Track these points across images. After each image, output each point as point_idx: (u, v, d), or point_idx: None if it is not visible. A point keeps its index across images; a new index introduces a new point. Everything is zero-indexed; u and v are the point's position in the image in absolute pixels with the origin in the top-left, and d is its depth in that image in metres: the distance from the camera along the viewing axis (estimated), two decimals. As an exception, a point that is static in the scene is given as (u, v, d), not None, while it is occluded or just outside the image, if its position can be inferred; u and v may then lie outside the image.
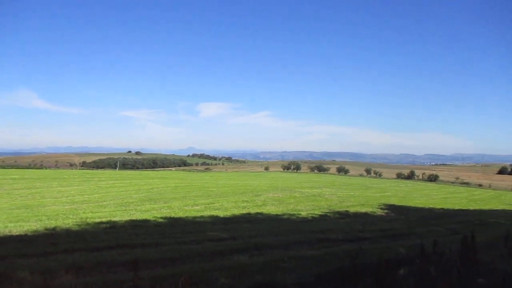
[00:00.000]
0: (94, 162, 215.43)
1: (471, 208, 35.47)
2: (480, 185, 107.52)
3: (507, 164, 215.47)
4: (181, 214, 19.97)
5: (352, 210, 25.49)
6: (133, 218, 18.13)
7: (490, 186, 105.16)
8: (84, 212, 19.75)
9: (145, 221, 17.28)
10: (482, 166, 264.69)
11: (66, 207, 22.03)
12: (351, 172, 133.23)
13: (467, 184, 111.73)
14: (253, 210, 22.69)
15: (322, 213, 23.11)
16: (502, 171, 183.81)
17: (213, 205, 24.39)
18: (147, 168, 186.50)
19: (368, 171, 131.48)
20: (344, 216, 22.78)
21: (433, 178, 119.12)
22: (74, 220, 16.88)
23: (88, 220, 16.92)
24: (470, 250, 5.85)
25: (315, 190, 41.05)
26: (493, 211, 33.00)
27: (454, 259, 5.77)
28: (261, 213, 21.76)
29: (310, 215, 22.12)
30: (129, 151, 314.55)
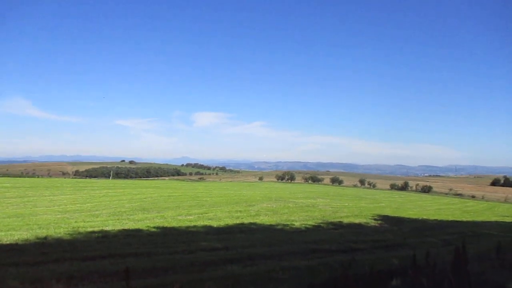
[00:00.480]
0: (87, 171, 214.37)
1: (464, 219, 35.57)
2: (473, 197, 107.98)
3: (500, 175, 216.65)
4: (174, 224, 19.87)
5: (345, 220, 25.47)
6: (126, 227, 18.02)
7: (483, 198, 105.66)
8: (76, 221, 19.60)
9: (138, 231, 17.18)
10: (475, 177, 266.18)
11: (58, 216, 21.85)
12: (345, 183, 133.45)
13: (460, 195, 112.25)
14: (246, 220, 22.62)
15: (316, 224, 23.08)
16: (495, 183, 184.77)
17: (206, 215, 24.30)
18: (140, 177, 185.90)
19: (362, 182, 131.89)
20: (338, 226, 22.76)
21: (426, 189, 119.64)
22: (66, 229, 16.75)
23: (80, 229, 16.80)
24: (462, 261, 5.87)
25: (309, 200, 41.03)
26: (486, 222, 33.11)
27: (446, 270, 5.78)
28: (254, 223, 21.70)
29: (303, 225, 22.09)
30: (123, 160, 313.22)
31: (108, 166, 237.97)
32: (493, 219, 39.41)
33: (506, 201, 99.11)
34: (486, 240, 18.09)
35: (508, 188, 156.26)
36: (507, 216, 46.64)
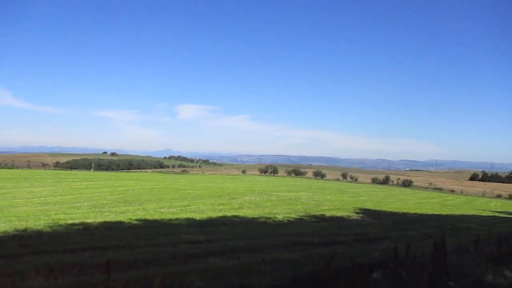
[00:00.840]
0: (68, 162, 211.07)
1: (443, 213, 36.25)
2: (452, 191, 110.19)
3: (478, 170, 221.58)
4: (156, 216, 19.75)
5: (328, 214, 25.69)
6: (107, 219, 17.82)
7: (462, 192, 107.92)
8: (56, 214, 19.29)
9: (119, 223, 17.02)
10: (454, 172, 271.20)
11: (37, 208, 21.48)
12: (328, 177, 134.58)
13: (440, 189, 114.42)
14: (229, 213, 22.62)
15: (298, 217, 23.22)
16: (474, 178, 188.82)
17: (189, 207, 24.21)
18: (122, 169, 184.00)
19: (344, 176, 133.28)
20: (320, 220, 22.94)
21: (407, 184, 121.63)
22: (46, 222, 16.48)
23: (61, 222, 16.55)
24: (441, 254, 5.98)
25: (291, 193, 41.24)
26: (464, 216, 33.82)
27: (426, 263, 5.89)
28: (237, 216, 21.72)
29: (286, 218, 22.20)
30: (105, 152, 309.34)
31: (90, 157, 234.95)
32: (472, 213, 40.27)
33: (484, 195, 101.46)
34: (465, 233, 18.49)
35: (486, 182, 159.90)
36: (485, 210, 47.76)
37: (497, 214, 40.39)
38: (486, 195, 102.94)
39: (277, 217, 22.34)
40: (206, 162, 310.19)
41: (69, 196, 27.72)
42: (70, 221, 16.76)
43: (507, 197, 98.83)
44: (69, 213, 19.61)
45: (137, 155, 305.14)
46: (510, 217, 36.30)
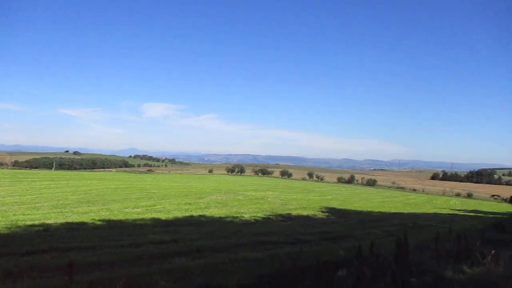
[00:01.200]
0: (27, 161, 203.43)
1: (406, 211, 37.26)
2: (414, 190, 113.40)
3: (439, 170, 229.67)
4: (120, 217, 19.36)
5: (294, 213, 25.91)
6: (69, 220, 17.33)
7: (423, 191, 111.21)
8: (14, 214, 18.59)
9: (82, 224, 16.58)
10: (416, 171, 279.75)
11: (-6, 208, 20.65)
12: (294, 176, 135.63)
13: (402, 188, 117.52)
14: (196, 213, 22.45)
15: (265, 216, 23.31)
16: (434, 177, 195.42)
17: (154, 207, 23.87)
18: (85, 168, 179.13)
19: (310, 175, 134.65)
20: (287, 219, 23.10)
21: (371, 183, 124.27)
22: (3, 223, 15.85)
23: (19, 223, 15.96)
24: (403, 251, 6.14)
25: (258, 193, 41.36)
26: (425, 214, 34.89)
27: (389, 261, 6.03)
28: (204, 216, 21.59)
29: (253, 217, 22.24)
30: (67, 151, 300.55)
31: (51, 156, 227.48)
32: (432, 211, 41.58)
33: (444, 194, 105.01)
34: (426, 231, 19.06)
35: (446, 182, 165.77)
36: (445, 208, 49.41)
37: (456, 212, 41.88)
38: (446, 193, 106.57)
39: (244, 217, 22.35)
40: (172, 161, 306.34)
41: (29, 196, 26.75)
42: (29, 222, 16.19)
43: (466, 195, 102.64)
44: (28, 214, 18.93)
45: (101, 154, 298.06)
46: (469, 215, 37.72)
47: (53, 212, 19.91)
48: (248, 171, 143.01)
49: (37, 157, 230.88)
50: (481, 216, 36.61)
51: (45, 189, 32.32)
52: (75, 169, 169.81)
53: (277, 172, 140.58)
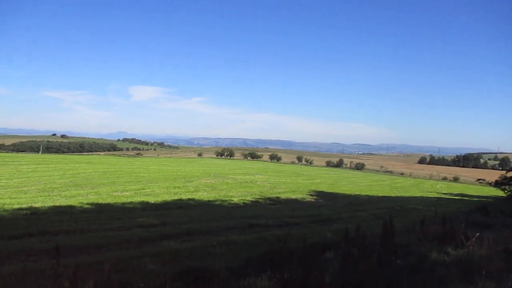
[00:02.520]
0: (13, 145, 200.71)
1: (393, 195, 37.74)
2: (402, 174, 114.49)
3: (426, 154, 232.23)
4: (109, 200, 19.30)
5: (283, 196, 26.08)
6: (57, 204, 17.23)
7: (410, 175, 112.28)
8: (1, 198, 18.41)
9: (70, 208, 16.49)
10: (404, 156, 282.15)
11: (-19, 192, 20.44)
12: (283, 160, 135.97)
13: (390, 172, 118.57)
14: (185, 196, 22.48)
15: (254, 199, 23.43)
16: (422, 161, 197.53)
17: (143, 191, 23.83)
18: (73, 152, 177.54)
19: (299, 159, 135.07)
20: (275, 202, 23.26)
21: (360, 167, 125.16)
22: (-10, 207, 15.71)
23: (6, 206, 15.83)
24: (390, 234, 6.23)
25: (247, 176, 41.48)
26: (412, 198, 35.35)
27: (375, 243, 6.11)
28: (193, 199, 21.63)
29: (242, 201, 22.34)
30: (54, 134, 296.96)
31: (38, 140, 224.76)
32: (419, 194, 42.15)
33: (431, 178, 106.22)
34: (413, 214, 19.34)
35: (433, 166, 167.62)
36: (431, 192, 50.10)
37: (442, 196, 42.53)
38: (433, 177, 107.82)
39: (233, 200, 22.44)
40: (161, 145, 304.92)
41: (16, 180, 26.50)
42: (16, 206, 16.06)
43: (452, 179, 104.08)
44: (15, 198, 18.77)
45: (89, 138, 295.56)
46: (454, 198, 38.32)
47: (41, 196, 19.77)
48: (237, 155, 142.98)
49: (23, 140, 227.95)
50: (466, 199, 37.23)
51: (32, 173, 32.01)
52: (63, 152, 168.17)
53: (266, 156, 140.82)
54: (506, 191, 29.06)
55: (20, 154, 77.95)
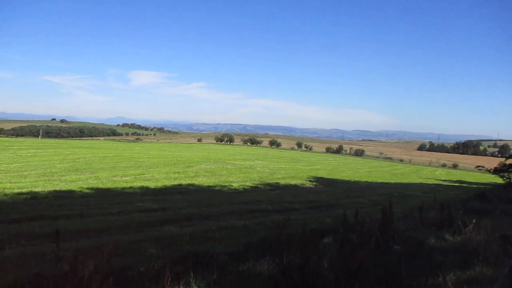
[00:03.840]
0: (13, 129, 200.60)
1: (392, 181, 37.87)
2: (401, 160, 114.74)
3: (426, 141, 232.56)
4: (109, 185, 19.37)
5: (282, 182, 26.16)
6: (57, 188, 17.29)
7: (410, 161, 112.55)
8: (1, 182, 18.48)
9: (70, 192, 16.56)
10: (404, 142, 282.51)
11: (-19, 176, 20.49)
12: (283, 146, 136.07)
13: (390, 159, 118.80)
14: (184, 182, 22.54)
15: (254, 185, 23.51)
16: (421, 148, 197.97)
17: (143, 176, 23.89)
18: (73, 137, 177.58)
19: (299, 145, 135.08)
20: (275, 188, 23.34)
21: (359, 153, 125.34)
22: (-10, 191, 15.77)
23: (6, 191, 15.88)
24: (388, 220, 6.27)
25: (247, 162, 41.55)
26: (411, 184, 35.49)
27: (374, 228, 6.15)
28: (192, 185, 21.70)
29: (241, 186, 22.42)
30: (53, 119, 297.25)
31: (37, 124, 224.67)
32: (418, 181, 42.30)
33: (430, 164, 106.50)
34: (411, 200, 19.42)
35: (432, 152, 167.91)
36: (430, 179, 50.30)
37: (441, 182, 42.70)
38: (432, 164, 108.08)
39: (232, 185, 22.52)
40: (161, 130, 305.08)
41: (15, 165, 26.55)
42: (16, 190, 16.13)
43: (451, 166, 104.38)
44: (15, 182, 18.84)
45: (89, 123, 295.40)
46: (453, 185, 38.47)
47: (41, 180, 19.83)
48: (237, 141, 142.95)
49: (23, 125, 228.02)
50: (465, 186, 37.37)
51: (32, 157, 32.04)
52: (62, 137, 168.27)
53: (266, 142, 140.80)
54: (505, 178, 29.08)
55: (20, 139, 77.90)
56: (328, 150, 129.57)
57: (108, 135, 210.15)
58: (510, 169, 28.79)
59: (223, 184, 22.72)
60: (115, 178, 22.04)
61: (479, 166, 35.99)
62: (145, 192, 17.97)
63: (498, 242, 6.30)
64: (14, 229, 8.79)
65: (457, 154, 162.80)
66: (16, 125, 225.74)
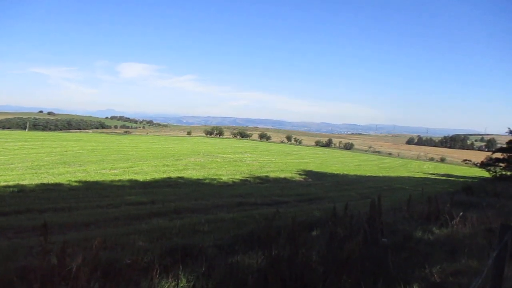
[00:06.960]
0: None
1: (381, 175, 38.16)
2: (390, 154, 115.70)
3: (414, 135, 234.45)
4: (97, 178, 19.24)
5: (272, 175, 26.21)
6: (45, 181, 17.12)
7: (398, 155, 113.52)
8: (-13, 175, 18.26)
9: (58, 185, 16.43)
10: (392, 136, 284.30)
11: (-34, 169, 20.21)
12: (273, 139, 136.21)
13: (378, 152, 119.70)
14: (174, 175, 22.48)
15: (243, 178, 23.53)
16: (410, 142, 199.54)
17: (132, 169, 23.76)
18: (61, 129, 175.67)
19: (288, 138, 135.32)
20: (264, 181, 23.39)
21: (348, 146, 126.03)
22: (-24, 184, 15.58)
23: (-8, 184, 15.71)
24: (376, 213, 6.32)
25: (237, 155, 41.53)
26: (400, 177, 35.81)
27: (362, 221, 6.20)
28: (182, 178, 21.65)
29: (231, 179, 22.43)
30: (41, 111, 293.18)
31: (24, 117, 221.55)
32: (406, 174, 42.69)
33: (418, 158, 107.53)
34: (399, 193, 19.63)
35: (421, 146, 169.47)
36: (418, 172, 50.80)
37: (429, 176, 43.17)
38: (420, 158, 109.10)
39: (222, 179, 22.51)
40: (150, 123, 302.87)
41: (2, 157, 26.19)
42: (3, 183, 15.95)
43: (439, 160, 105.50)
44: (2, 175, 18.61)
45: (77, 115, 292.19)
46: (441, 179, 38.91)
47: (28, 173, 19.62)
48: (226, 134, 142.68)
49: (9, 117, 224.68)
50: (452, 180, 37.82)
51: (19, 150, 31.62)
52: (50, 129, 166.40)
53: (255, 135, 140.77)
54: (491, 172, 29.54)
55: (6, 131, 76.92)
56: (318, 143, 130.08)
57: (97, 128, 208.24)
58: (497, 163, 29.22)
59: (213, 177, 22.71)
60: (103, 171, 21.89)
61: (466, 160, 36.48)
62: (134, 185, 17.89)
63: (484, 235, 6.41)
64: (1, 222, 8.72)
65: (445, 148, 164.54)
66: (3, 117, 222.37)
